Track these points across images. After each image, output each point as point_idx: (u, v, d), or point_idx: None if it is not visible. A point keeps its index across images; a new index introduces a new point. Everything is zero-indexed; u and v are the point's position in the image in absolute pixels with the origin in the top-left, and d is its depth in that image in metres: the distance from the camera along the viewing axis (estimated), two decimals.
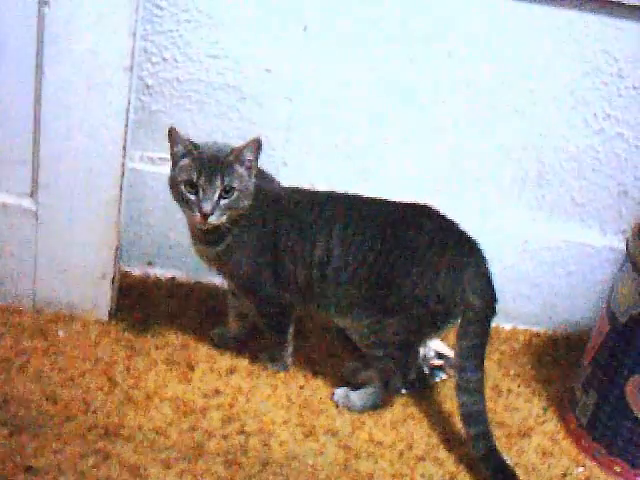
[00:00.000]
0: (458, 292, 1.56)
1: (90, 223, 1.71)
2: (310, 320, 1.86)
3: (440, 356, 1.81)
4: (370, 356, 1.66)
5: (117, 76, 1.60)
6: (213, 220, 1.53)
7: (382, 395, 1.68)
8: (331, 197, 1.66)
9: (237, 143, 1.81)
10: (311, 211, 1.62)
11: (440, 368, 1.80)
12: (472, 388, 1.58)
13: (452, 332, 1.64)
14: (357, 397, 1.69)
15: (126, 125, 1.64)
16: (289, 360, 1.74)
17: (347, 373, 1.75)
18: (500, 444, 1.62)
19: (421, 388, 1.77)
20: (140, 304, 1.85)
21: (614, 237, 1.95)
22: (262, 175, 1.64)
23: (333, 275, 1.60)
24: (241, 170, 1.55)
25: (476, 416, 1.58)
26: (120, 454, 1.48)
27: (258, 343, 1.77)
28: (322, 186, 1.86)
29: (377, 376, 1.68)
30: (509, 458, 1.61)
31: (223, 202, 1.53)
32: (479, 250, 1.60)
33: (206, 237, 1.61)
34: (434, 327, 1.63)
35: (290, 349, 1.74)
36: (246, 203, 1.56)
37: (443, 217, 1.63)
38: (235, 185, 1.54)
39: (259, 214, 1.60)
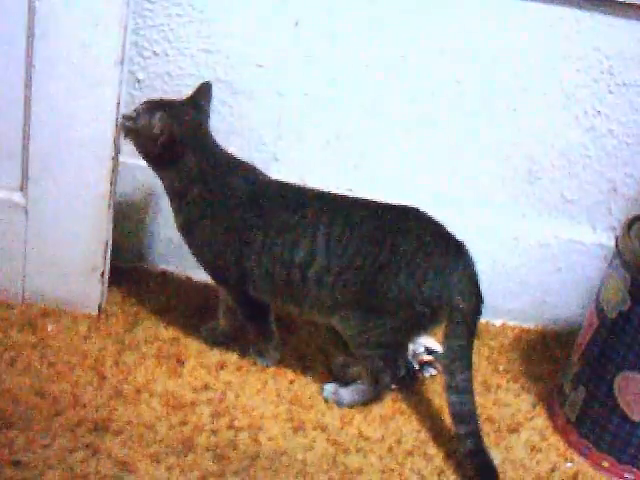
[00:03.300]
0: (445, 295, 1.57)
1: (80, 217, 1.70)
2: (309, 318, 1.86)
3: (430, 352, 1.81)
4: (358, 354, 1.67)
5: (108, 70, 1.59)
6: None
7: (371, 391, 1.69)
8: (317, 197, 1.65)
9: (228, 138, 1.82)
10: (294, 211, 1.61)
11: (430, 364, 1.81)
12: (461, 388, 1.58)
13: (442, 328, 1.64)
14: (346, 393, 1.69)
15: (117, 119, 1.63)
16: (276, 354, 1.74)
17: (336, 368, 1.76)
18: (489, 439, 1.63)
19: (410, 384, 1.77)
20: (130, 299, 1.85)
21: (604, 234, 1.96)
22: (242, 167, 1.65)
23: (315, 277, 1.59)
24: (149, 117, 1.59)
25: (465, 415, 1.58)
26: (109, 449, 1.48)
27: (248, 339, 1.77)
28: (313, 181, 1.86)
29: (366, 373, 1.68)
30: (497, 456, 1.61)
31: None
32: (466, 252, 1.61)
33: (171, 200, 1.66)
34: (421, 328, 1.63)
35: (275, 342, 1.74)
36: (141, 146, 1.62)
37: (430, 220, 1.63)
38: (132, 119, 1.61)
39: (223, 204, 1.61)
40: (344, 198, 1.66)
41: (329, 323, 1.67)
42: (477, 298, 1.59)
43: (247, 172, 1.67)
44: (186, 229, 1.66)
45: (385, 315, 1.59)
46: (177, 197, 1.64)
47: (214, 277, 1.71)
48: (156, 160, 1.63)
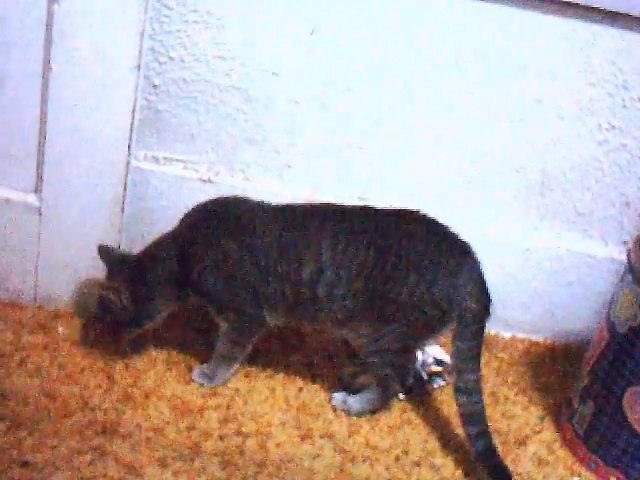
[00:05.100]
0: (454, 296, 1.57)
1: (93, 220, 1.72)
2: (322, 331, 1.86)
3: (439, 362, 1.81)
4: (368, 363, 1.67)
5: (124, 75, 1.60)
6: None
7: (380, 400, 1.69)
8: (315, 211, 1.64)
9: (241, 145, 1.83)
10: (292, 230, 1.60)
11: (439, 374, 1.81)
12: (470, 389, 1.58)
13: (451, 332, 1.64)
14: (355, 401, 1.69)
15: (132, 124, 1.64)
16: (226, 378, 1.71)
17: (345, 377, 1.76)
18: None
19: (419, 394, 1.77)
20: None
21: (615, 248, 1.96)
22: (226, 204, 1.66)
23: (325, 292, 1.58)
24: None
25: (475, 416, 1.58)
26: (117, 452, 1.48)
27: (257, 346, 1.77)
28: (325, 189, 1.86)
29: (375, 381, 1.68)
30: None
31: None
32: (472, 252, 1.61)
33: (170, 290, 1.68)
34: (432, 332, 1.63)
35: (236, 367, 1.71)
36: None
37: (434, 222, 1.63)
38: None
39: (219, 246, 1.61)
40: (344, 208, 1.65)
41: (341, 335, 1.67)
42: (486, 298, 1.60)
43: (225, 217, 1.66)
44: (200, 290, 1.64)
45: (396, 321, 1.59)
46: (175, 287, 1.65)
47: (232, 310, 1.65)
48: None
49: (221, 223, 1.63)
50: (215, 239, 1.62)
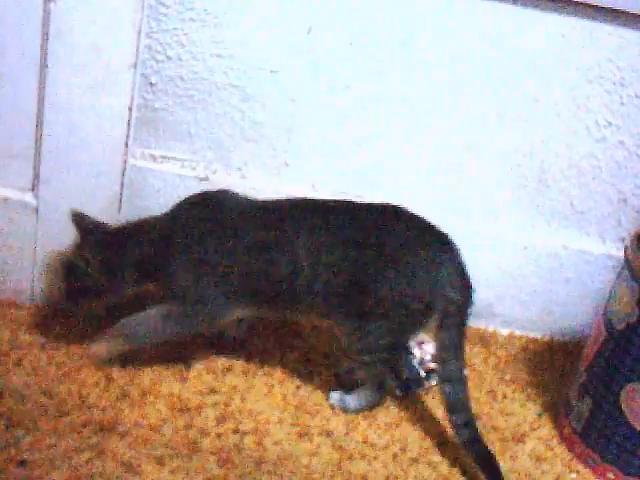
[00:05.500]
0: (437, 288, 1.57)
1: None
2: (306, 321, 1.87)
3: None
4: (360, 362, 1.66)
5: (121, 73, 1.60)
6: None
7: (376, 396, 1.69)
8: (293, 207, 1.63)
9: (239, 144, 1.83)
10: (271, 224, 1.60)
11: (436, 371, 1.80)
12: (454, 377, 1.59)
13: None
14: (352, 399, 1.69)
15: (129, 122, 1.64)
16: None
17: (342, 373, 1.75)
18: (494, 448, 1.62)
19: (416, 391, 1.77)
20: None
21: (613, 245, 1.96)
22: (191, 208, 1.65)
23: (304, 288, 1.58)
24: None
25: (459, 404, 1.59)
26: (114, 450, 1.48)
27: (255, 343, 1.77)
28: (323, 187, 1.86)
29: (369, 380, 1.68)
30: (502, 465, 1.61)
31: None
32: (451, 243, 1.60)
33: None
34: (417, 325, 1.63)
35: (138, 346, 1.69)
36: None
37: (412, 215, 1.62)
38: None
39: (185, 243, 1.60)
40: (322, 203, 1.64)
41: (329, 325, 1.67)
42: (467, 288, 1.60)
43: (200, 209, 1.65)
44: (167, 279, 1.62)
45: (380, 318, 1.58)
46: (142, 269, 1.63)
47: (193, 303, 1.62)
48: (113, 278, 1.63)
49: (202, 216, 1.62)
50: (194, 230, 1.61)
